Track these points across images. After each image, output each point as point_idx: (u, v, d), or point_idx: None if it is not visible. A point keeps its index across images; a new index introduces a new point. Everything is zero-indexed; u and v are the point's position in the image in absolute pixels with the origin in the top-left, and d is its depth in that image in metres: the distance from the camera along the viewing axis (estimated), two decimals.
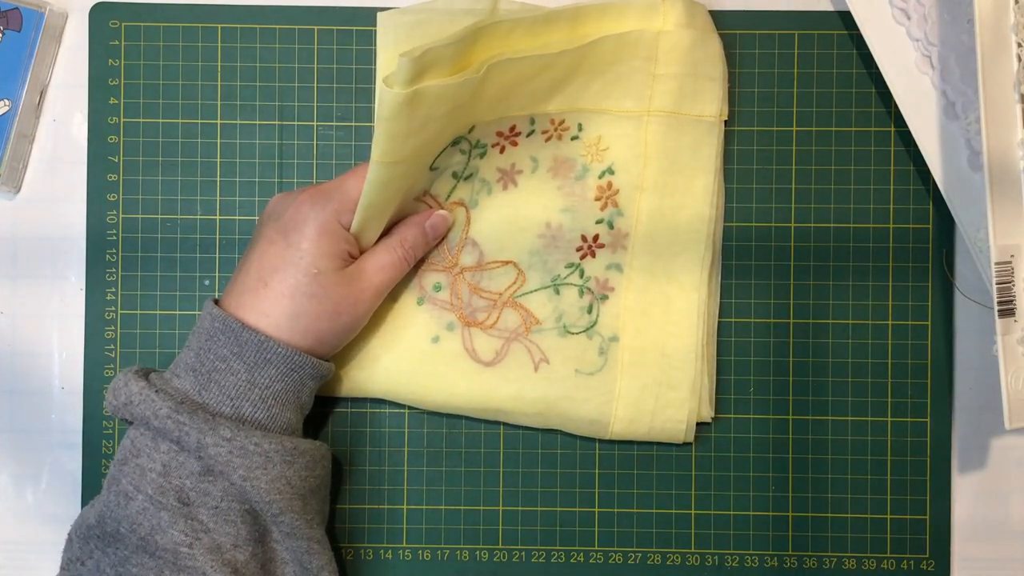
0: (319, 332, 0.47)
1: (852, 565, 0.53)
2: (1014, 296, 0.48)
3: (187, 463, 0.45)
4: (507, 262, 0.52)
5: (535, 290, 0.52)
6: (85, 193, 0.54)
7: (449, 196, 0.52)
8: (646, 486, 0.53)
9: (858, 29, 0.52)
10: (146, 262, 0.53)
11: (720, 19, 0.53)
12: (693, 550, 0.53)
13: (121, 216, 0.54)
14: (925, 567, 0.53)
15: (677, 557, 0.53)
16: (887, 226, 0.54)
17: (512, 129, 0.51)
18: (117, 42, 0.54)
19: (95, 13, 0.54)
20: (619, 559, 0.53)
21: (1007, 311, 0.48)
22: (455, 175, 0.51)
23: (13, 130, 0.53)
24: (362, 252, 0.49)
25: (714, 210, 0.52)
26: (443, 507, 0.54)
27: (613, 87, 0.51)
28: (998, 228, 0.47)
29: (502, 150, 0.51)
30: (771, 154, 0.54)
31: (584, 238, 0.52)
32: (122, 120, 0.54)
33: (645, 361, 0.52)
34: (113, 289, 0.53)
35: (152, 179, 0.54)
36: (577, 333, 0.52)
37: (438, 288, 0.53)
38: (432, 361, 0.52)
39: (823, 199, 0.54)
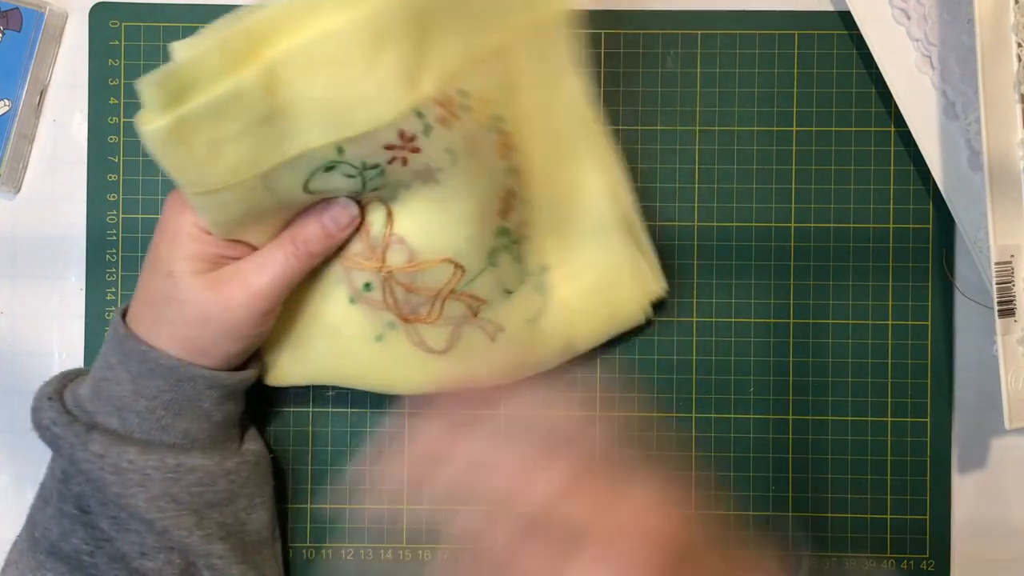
0: (189, 340, 0.44)
1: (852, 565, 0.53)
2: (1014, 296, 0.48)
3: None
4: (443, 259, 0.46)
5: (477, 275, 0.47)
6: (85, 193, 0.54)
7: (361, 194, 0.45)
8: None
9: (858, 29, 0.52)
10: None
11: (720, 19, 0.53)
12: None
13: (121, 216, 0.54)
14: (925, 567, 0.53)
15: None
16: (887, 226, 0.54)
17: (403, 135, 0.41)
18: (117, 42, 0.54)
19: (95, 13, 0.54)
20: None
21: (1007, 311, 0.48)
22: (350, 196, 0.45)
23: (13, 130, 0.53)
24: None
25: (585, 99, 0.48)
26: (443, 507, 0.53)
27: (470, 25, 0.43)
28: (998, 228, 0.47)
29: (404, 162, 0.42)
30: (771, 154, 0.54)
31: (502, 198, 0.47)
32: (122, 120, 0.54)
33: (577, 266, 0.50)
34: (113, 289, 0.53)
35: (152, 179, 0.54)
36: (516, 289, 0.49)
37: (368, 287, 0.47)
38: (379, 358, 0.49)
39: (823, 199, 0.54)
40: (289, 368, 0.50)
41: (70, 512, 0.44)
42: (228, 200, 0.42)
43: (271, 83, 0.38)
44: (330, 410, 0.53)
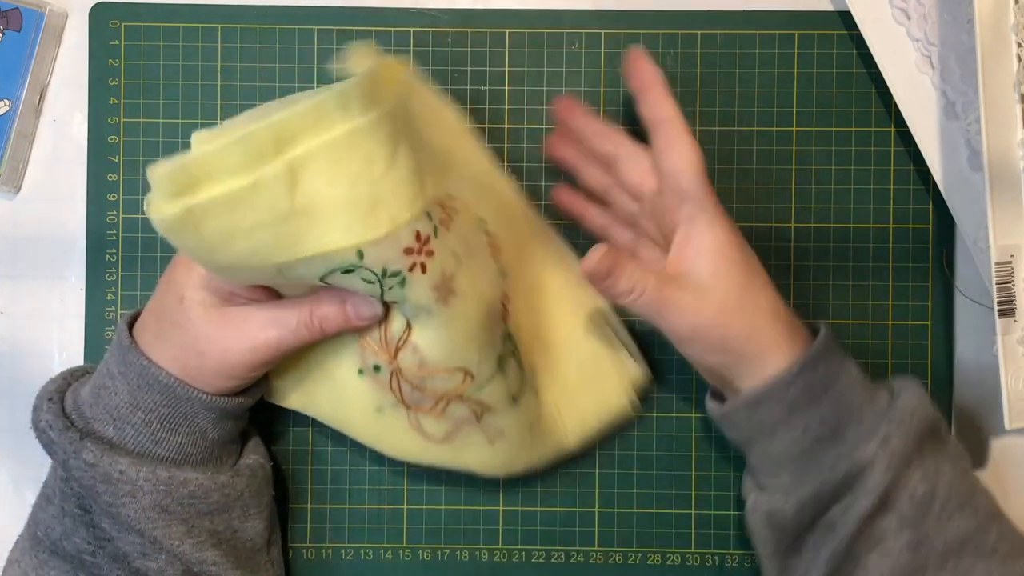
0: (188, 367, 0.44)
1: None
2: (1014, 296, 0.48)
3: None
4: (454, 368, 0.45)
5: (487, 383, 0.46)
6: (85, 193, 0.54)
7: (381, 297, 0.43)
8: (646, 486, 0.53)
9: (858, 29, 0.52)
10: (146, 262, 0.53)
11: (720, 19, 0.53)
12: (693, 550, 0.53)
13: (121, 216, 0.54)
14: None
15: (677, 557, 0.53)
16: (887, 226, 0.54)
17: (419, 237, 0.41)
18: (117, 42, 0.54)
19: (95, 13, 0.54)
20: (619, 559, 0.53)
21: (1007, 311, 0.48)
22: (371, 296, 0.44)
23: (13, 130, 0.53)
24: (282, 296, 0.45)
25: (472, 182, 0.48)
26: (443, 507, 0.54)
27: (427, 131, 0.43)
28: (998, 228, 0.47)
29: (424, 269, 0.41)
30: (771, 154, 0.54)
31: (502, 301, 0.46)
32: (122, 120, 0.54)
33: (560, 365, 0.50)
34: (113, 289, 0.53)
35: None
36: (521, 395, 0.48)
37: (378, 369, 0.46)
38: (377, 427, 0.48)
39: (823, 199, 0.54)
40: (294, 400, 0.50)
41: (72, 511, 0.44)
42: (239, 275, 0.42)
43: (293, 180, 0.37)
44: None
